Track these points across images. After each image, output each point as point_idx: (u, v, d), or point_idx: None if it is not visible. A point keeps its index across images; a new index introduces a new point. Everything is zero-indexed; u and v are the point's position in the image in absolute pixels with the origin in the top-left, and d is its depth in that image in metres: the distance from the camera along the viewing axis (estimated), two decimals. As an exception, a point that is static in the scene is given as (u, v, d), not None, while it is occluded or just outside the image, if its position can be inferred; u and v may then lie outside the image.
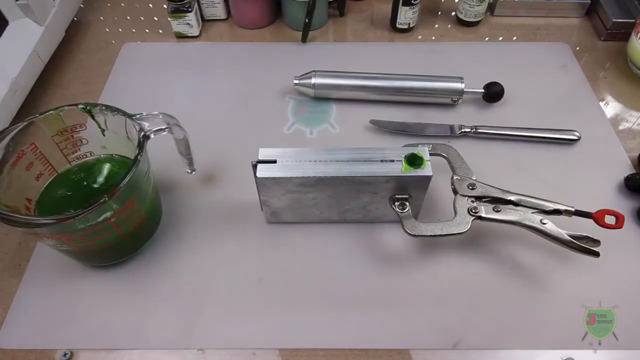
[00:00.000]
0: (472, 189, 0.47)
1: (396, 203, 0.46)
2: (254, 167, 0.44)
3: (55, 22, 0.66)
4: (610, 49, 0.71)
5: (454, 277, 0.48)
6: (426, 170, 0.44)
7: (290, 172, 0.44)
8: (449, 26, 0.76)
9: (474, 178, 0.48)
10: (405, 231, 0.45)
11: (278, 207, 0.48)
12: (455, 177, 0.48)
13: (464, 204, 0.46)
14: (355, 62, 0.66)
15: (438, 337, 0.44)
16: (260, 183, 0.44)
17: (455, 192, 0.47)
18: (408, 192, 0.46)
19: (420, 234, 0.44)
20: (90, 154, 0.50)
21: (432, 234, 0.44)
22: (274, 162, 0.44)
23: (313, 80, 0.62)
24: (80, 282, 0.48)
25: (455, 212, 0.46)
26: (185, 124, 0.48)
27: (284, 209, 0.49)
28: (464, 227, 0.45)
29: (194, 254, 0.49)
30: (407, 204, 0.46)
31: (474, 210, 0.46)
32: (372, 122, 0.60)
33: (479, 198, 0.46)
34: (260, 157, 0.44)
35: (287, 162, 0.44)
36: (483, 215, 0.45)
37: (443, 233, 0.44)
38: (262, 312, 0.46)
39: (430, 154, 0.46)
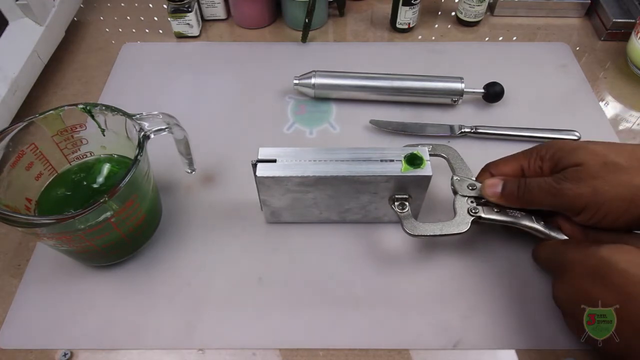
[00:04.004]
0: (472, 189, 0.47)
1: (396, 203, 0.46)
2: (254, 166, 0.44)
3: (55, 22, 0.66)
4: (610, 49, 0.71)
5: (454, 277, 0.48)
6: (426, 170, 0.44)
7: (290, 171, 0.44)
8: (449, 26, 0.76)
9: (474, 178, 0.48)
10: (405, 231, 0.45)
11: (278, 206, 0.48)
12: (455, 178, 0.48)
13: (464, 204, 0.46)
14: (355, 62, 0.66)
15: (438, 337, 0.44)
16: (260, 182, 0.44)
17: (455, 192, 0.47)
18: (408, 192, 0.46)
19: (420, 234, 0.44)
20: (90, 154, 0.50)
21: (432, 234, 0.44)
22: (274, 161, 0.44)
23: (313, 80, 0.62)
24: (80, 282, 0.48)
25: (455, 212, 0.46)
26: (185, 124, 0.48)
27: (284, 209, 0.49)
28: (464, 227, 0.45)
29: (194, 254, 0.50)
30: (407, 204, 0.46)
31: (473, 211, 0.46)
32: (372, 122, 0.60)
33: (478, 198, 0.46)
34: (260, 157, 0.44)
35: (286, 162, 0.44)
36: (483, 215, 0.45)
37: (443, 233, 0.44)
38: (262, 312, 0.46)
39: (430, 154, 0.46)
